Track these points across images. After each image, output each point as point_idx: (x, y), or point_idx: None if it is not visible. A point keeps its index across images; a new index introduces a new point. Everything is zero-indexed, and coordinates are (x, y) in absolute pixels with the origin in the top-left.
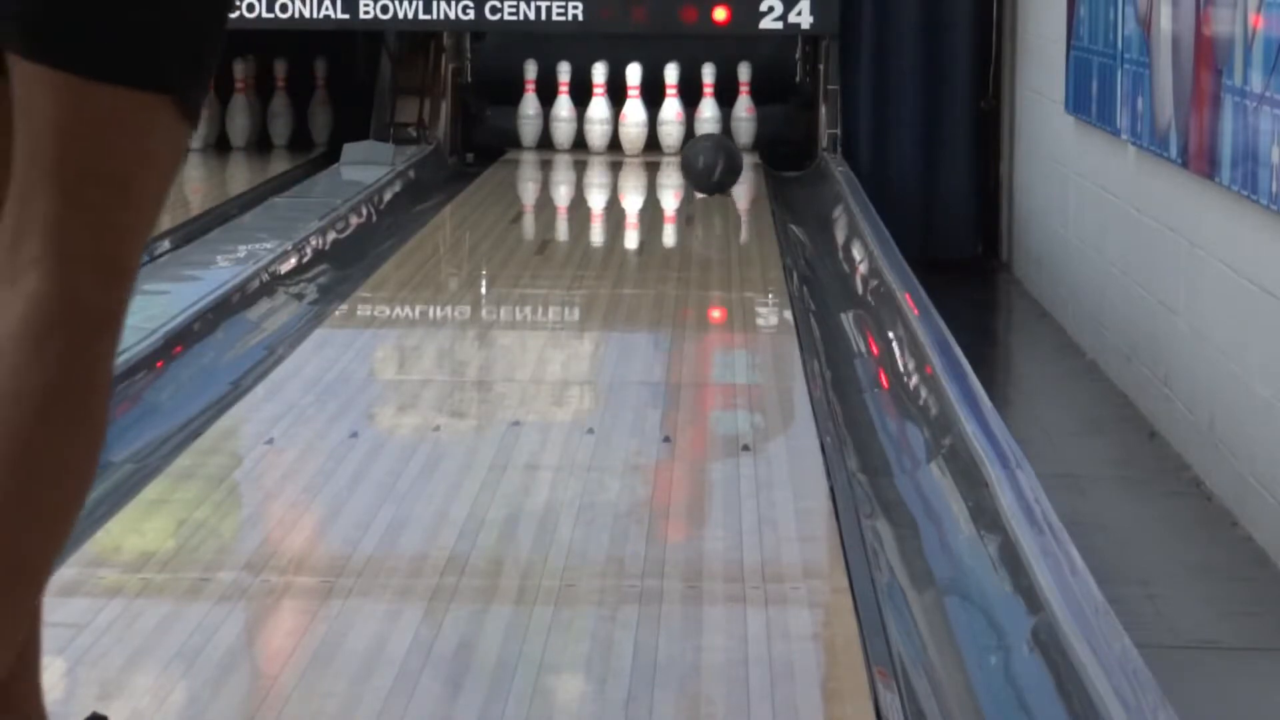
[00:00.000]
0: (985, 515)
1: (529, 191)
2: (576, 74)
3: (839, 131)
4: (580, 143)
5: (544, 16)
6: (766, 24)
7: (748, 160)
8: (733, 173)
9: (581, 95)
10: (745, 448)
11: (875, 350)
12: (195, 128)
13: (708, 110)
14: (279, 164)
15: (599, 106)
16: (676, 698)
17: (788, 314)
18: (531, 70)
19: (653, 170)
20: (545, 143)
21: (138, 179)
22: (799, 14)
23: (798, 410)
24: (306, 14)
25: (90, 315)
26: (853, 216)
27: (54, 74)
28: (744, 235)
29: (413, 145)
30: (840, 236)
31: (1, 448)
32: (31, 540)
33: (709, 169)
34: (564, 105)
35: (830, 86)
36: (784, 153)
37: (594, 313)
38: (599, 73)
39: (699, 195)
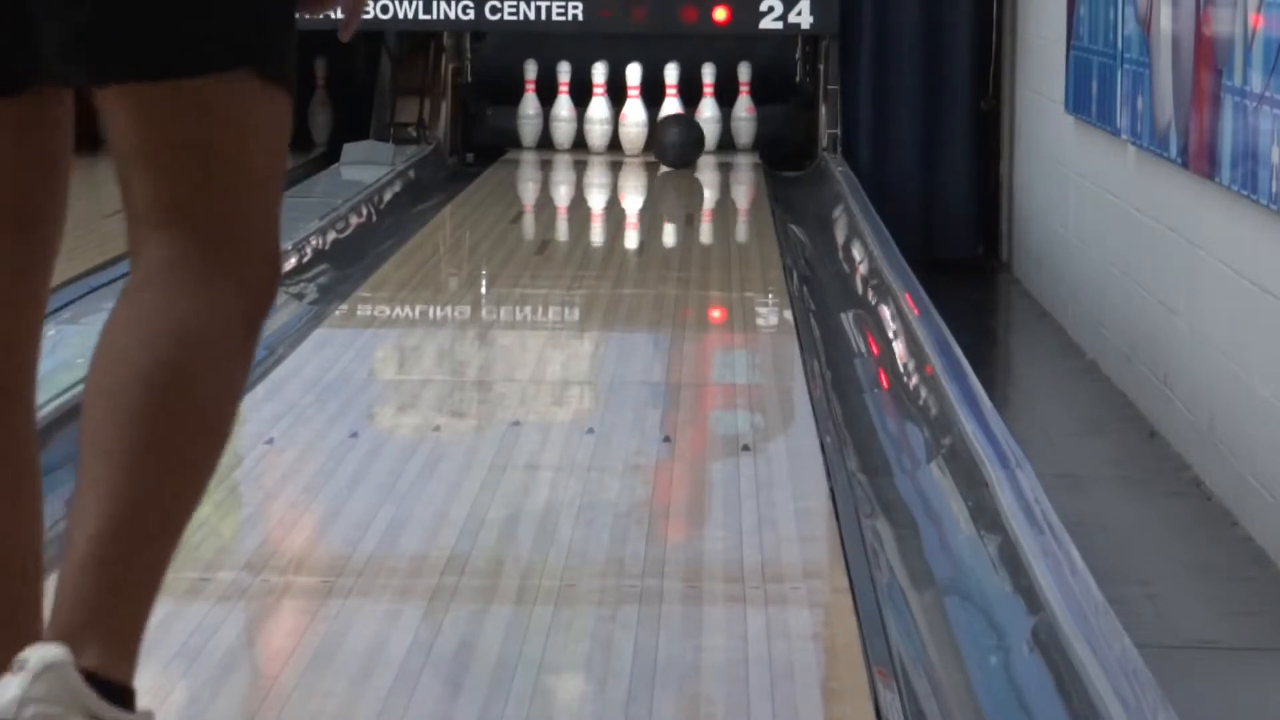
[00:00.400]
0: (985, 515)
1: (529, 191)
2: (576, 74)
3: (839, 131)
4: (580, 143)
5: (544, 16)
6: (766, 24)
7: (748, 160)
8: (697, 145)
9: (581, 95)
10: (745, 448)
11: (875, 350)
12: (289, 90)
13: (708, 110)
14: None
15: (599, 106)
16: (676, 698)
17: (788, 314)
18: (531, 70)
19: (653, 170)
20: (545, 143)
21: (236, 154)
22: (799, 14)
23: (798, 410)
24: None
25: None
26: (853, 216)
27: (122, 90)
28: (744, 235)
29: (413, 145)
30: (840, 236)
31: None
32: (179, 483)
33: (673, 145)
34: (564, 105)
35: (830, 86)
36: (784, 153)
37: (594, 313)
38: (599, 73)
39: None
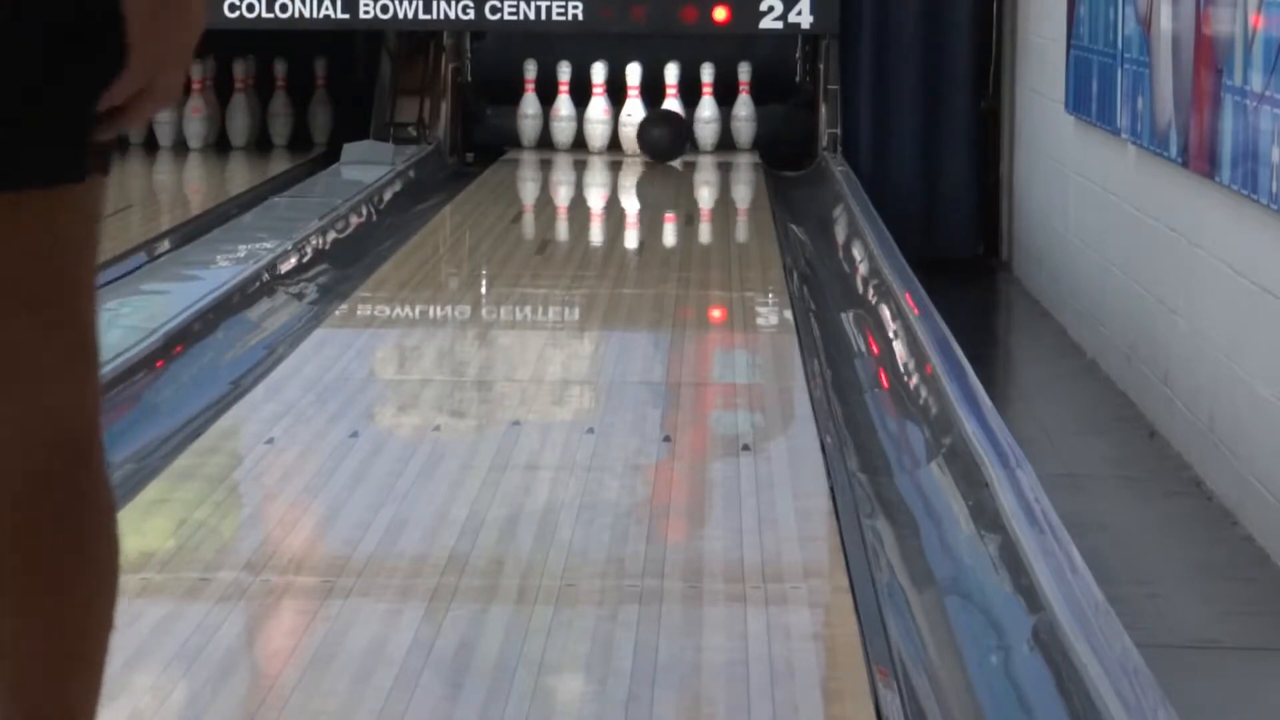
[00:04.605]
0: (985, 515)
1: (529, 191)
2: (576, 74)
3: (839, 131)
4: (580, 142)
5: (544, 16)
6: (766, 24)
7: (748, 160)
8: (680, 138)
9: (581, 95)
10: (745, 447)
11: (875, 350)
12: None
13: (707, 110)
14: (279, 164)
15: (599, 106)
16: (676, 698)
17: (788, 314)
18: (531, 70)
19: (653, 170)
20: (545, 142)
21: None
22: (799, 14)
23: (798, 410)
24: (306, 14)
25: None
26: (853, 216)
27: None
28: (744, 235)
29: (413, 145)
30: (840, 236)
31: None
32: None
33: (657, 140)
34: (564, 105)
35: (830, 86)
36: (784, 153)
37: (594, 313)
38: (599, 72)
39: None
